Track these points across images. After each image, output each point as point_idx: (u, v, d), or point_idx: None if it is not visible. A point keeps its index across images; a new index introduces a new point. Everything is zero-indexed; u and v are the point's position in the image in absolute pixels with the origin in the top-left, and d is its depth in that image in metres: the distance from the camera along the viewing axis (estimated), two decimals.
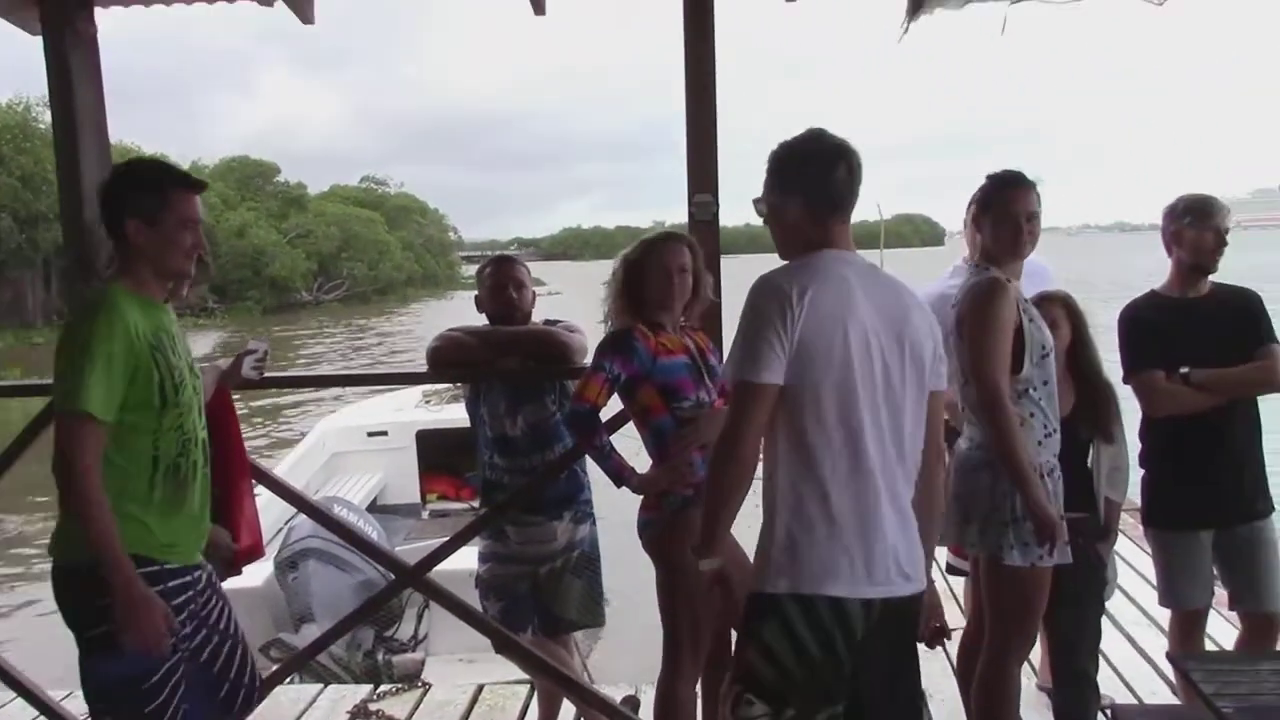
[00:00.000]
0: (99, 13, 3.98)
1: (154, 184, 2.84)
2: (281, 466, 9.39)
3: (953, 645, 4.04)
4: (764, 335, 2.44)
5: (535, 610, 3.99)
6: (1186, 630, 3.90)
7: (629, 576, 4.33)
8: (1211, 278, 3.83)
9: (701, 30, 3.71)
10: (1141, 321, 3.85)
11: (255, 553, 3.60)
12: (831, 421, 2.47)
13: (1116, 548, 6.50)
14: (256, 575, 6.27)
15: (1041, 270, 4.47)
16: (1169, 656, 3.58)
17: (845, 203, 2.60)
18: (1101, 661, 4.95)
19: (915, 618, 2.63)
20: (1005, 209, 3.33)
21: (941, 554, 4.36)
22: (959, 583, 5.33)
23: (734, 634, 3.63)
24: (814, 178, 2.58)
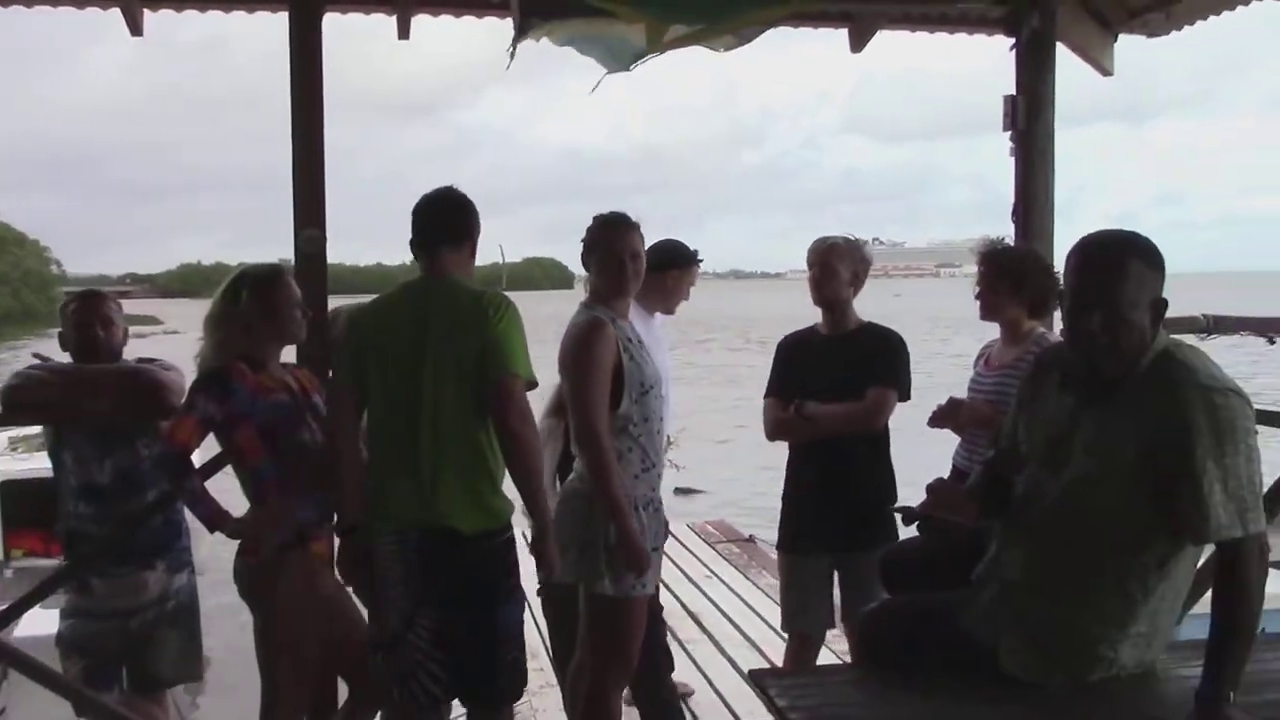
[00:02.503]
0: None
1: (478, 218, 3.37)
2: None
3: None
4: None
5: (126, 667, 3.71)
6: (802, 652, 4.04)
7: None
8: (869, 318, 4.02)
9: (308, 64, 3.66)
10: (786, 352, 4.07)
11: None
12: None
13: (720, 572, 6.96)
14: None
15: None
16: (750, 674, 3.69)
17: None
18: (704, 684, 5.25)
19: None
20: (609, 249, 3.44)
21: None
22: None
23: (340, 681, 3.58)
24: None
